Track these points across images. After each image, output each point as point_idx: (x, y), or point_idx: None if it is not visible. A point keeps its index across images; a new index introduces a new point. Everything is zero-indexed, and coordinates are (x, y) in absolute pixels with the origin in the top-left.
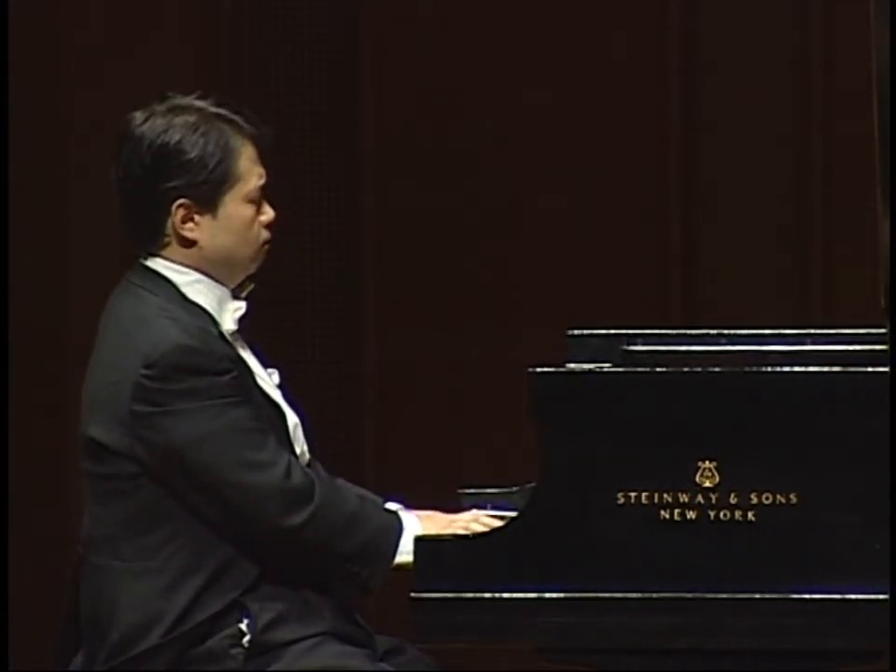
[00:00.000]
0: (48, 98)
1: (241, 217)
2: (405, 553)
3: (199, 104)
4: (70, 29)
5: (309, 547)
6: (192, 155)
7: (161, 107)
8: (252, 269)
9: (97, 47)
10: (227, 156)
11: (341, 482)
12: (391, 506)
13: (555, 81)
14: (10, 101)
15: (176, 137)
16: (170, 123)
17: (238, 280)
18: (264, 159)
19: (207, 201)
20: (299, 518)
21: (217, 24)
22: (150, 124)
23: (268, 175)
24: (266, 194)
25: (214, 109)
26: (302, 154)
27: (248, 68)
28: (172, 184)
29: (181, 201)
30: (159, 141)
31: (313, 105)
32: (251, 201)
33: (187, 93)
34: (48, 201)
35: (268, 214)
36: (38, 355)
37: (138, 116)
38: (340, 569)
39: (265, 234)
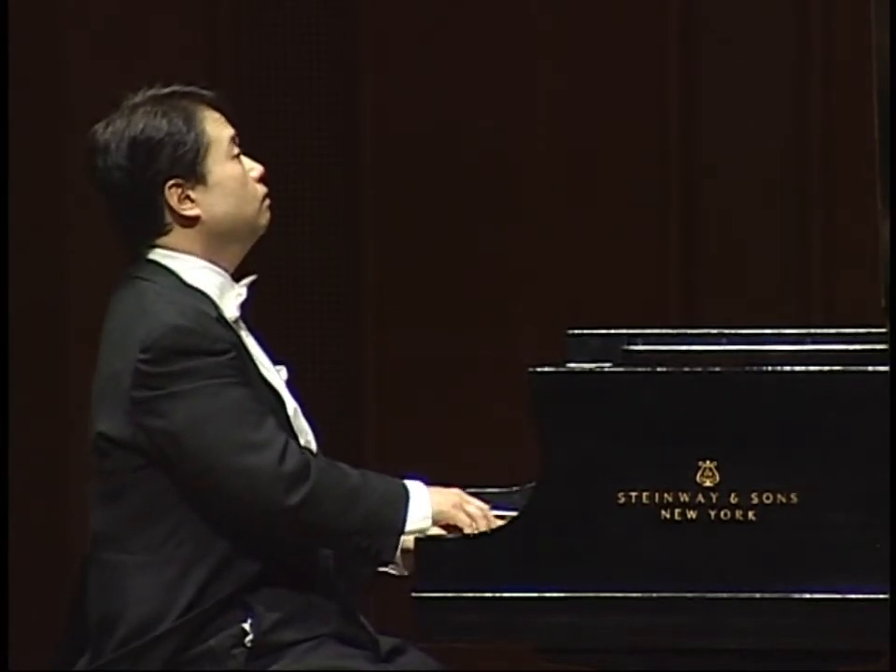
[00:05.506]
0: (47, 92)
1: (232, 176)
2: (417, 521)
3: (149, 93)
4: (70, 24)
5: (309, 527)
6: (161, 135)
7: (116, 113)
8: (260, 230)
9: (97, 42)
10: (193, 124)
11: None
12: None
13: (556, 81)
14: (10, 99)
15: (140, 127)
16: (129, 120)
17: (249, 244)
18: (230, 120)
19: (193, 171)
20: (295, 499)
21: (216, 20)
22: (112, 128)
23: (238, 135)
24: (247, 153)
25: (165, 91)
26: (302, 153)
27: (248, 66)
28: (154, 170)
29: (171, 181)
30: (126, 138)
31: (312, 103)
32: (233, 158)
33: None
34: (47, 198)
35: (256, 168)
36: (38, 354)
37: (99, 127)
38: (348, 546)
39: (261, 189)
